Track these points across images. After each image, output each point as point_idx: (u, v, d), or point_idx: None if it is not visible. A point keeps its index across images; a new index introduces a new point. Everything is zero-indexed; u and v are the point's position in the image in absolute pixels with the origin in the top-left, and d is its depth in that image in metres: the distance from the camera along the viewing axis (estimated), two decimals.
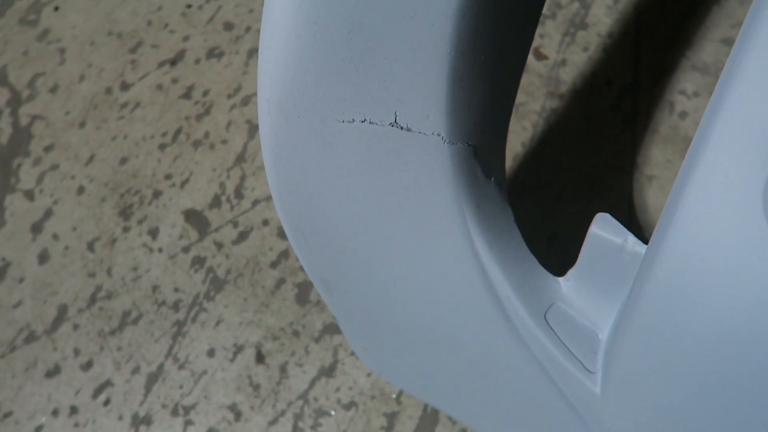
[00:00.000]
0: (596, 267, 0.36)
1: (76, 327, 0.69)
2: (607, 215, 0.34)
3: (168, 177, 0.75)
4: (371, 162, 0.35)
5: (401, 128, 0.34)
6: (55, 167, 0.77)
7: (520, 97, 0.74)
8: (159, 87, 0.80)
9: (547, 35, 0.77)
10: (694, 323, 0.26)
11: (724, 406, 0.29)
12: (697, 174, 0.23)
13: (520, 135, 0.72)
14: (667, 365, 0.30)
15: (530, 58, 0.76)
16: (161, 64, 0.81)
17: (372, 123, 0.33)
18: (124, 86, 0.80)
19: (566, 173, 0.70)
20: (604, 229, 0.34)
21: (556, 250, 0.67)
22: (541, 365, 0.39)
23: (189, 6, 0.85)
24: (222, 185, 0.73)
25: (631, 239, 0.33)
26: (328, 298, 0.48)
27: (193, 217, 0.72)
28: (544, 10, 0.78)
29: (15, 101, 0.82)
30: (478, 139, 0.36)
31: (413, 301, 0.42)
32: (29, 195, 0.76)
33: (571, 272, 0.39)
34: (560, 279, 0.40)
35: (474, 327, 0.41)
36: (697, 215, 0.24)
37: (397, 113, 0.33)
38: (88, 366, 0.67)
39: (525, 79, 0.74)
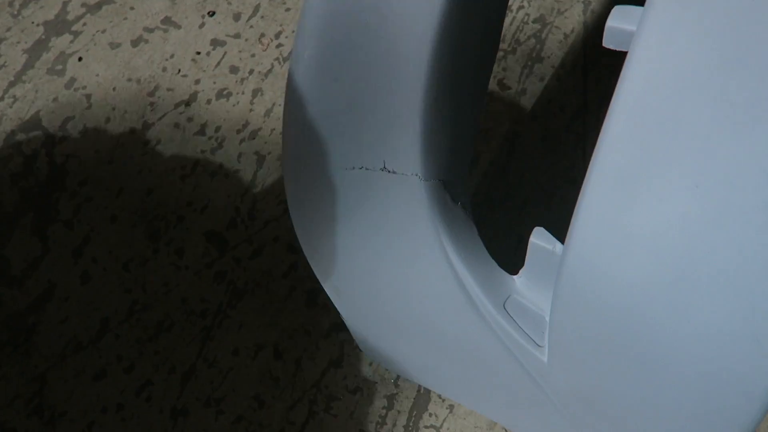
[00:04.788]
0: (537, 267, 0.48)
1: (117, 336, 0.80)
2: (541, 228, 0.47)
3: (189, 204, 0.86)
4: (368, 197, 0.47)
5: (389, 172, 0.46)
6: (89, 199, 0.88)
7: (488, 122, 0.87)
8: (176, 125, 0.92)
9: (509, 68, 0.90)
10: (589, 304, 0.38)
11: (622, 360, 0.41)
12: (581, 206, 0.36)
13: (488, 155, 0.85)
14: (581, 336, 0.42)
15: (495, 88, 0.89)
16: (177, 105, 0.93)
17: (368, 169, 0.46)
18: (146, 126, 0.92)
19: (528, 186, 0.83)
20: (539, 239, 0.46)
21: (524, 251, 0.80)
22: (504, 343, 0.52)
23: (198, 53, 0.97)
24: (237, 209, 0.85)
25: (558, 246, 0.46)
26: (337, 301, 0.60)
27: (213, 237, 0.84)
28: (506, 46, 0.91)
29: (49, 143, 0.93)
30: (446, 175, 0.48)
31: (404, 301, 0.55)
32: (68, 224, 0.87)
33: (521, 271, 0.51)
34: (514, 276, 0.52)
35: (451, 318, 0.53)
36: (584, 230, 0.36)
37: (385, 161, 0.46)
38: (130, 369, 0.79)
39: (491, 107, 0.87)
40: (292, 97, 0.44)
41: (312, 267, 0.55)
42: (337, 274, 0.54)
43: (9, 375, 0.80)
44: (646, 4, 0.37)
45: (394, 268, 0.51)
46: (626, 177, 0.34)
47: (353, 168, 0.46)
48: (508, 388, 0.58)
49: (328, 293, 0.59)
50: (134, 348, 0.79)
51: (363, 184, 0.46)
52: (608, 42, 0.43)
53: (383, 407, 0.73)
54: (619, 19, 0.40)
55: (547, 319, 0.50)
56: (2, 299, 0.84)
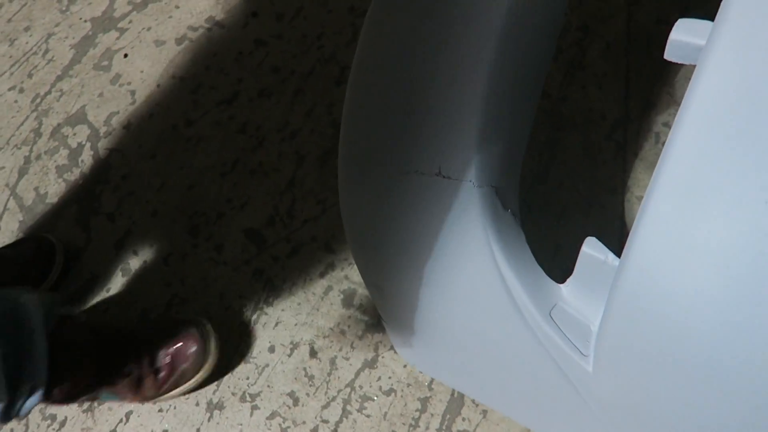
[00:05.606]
0: (587, 276, 0.48)
1: None
2: (594, 239, 0.47)
3: (229, 201, 0.88)
4: (421, 201, 0.48)
5: (443, 177, 0.46)
6: (131, 193, 0.90)
7: None
8: (218, 123, 0.93)
9: (551, 76, 0.89)
10: (647, 317, 0.38)
11: (676, 374, 0.41)
12: (644, 218, 0.36)
13: (528, 162, 0.85)
14: (633, 348, 0.42)
15: None
16: (219, 103, 0.95)
17: (423, 174, 0.46)
18: (188, 123, 0.94)
19: (567, 194, 0.82)
20: (592, 248, 0.46)
21: (561, 259, 0.79)
22: (547, 351, 0.52)
23: (241, 53, 0.98)
24: (276, 207, 0.86)
25: (611, 256, 0.46)
26: (378, 300, 0.61)
27: (252, 234, 0.85)
28: None
29: (94, 136, 0.95)
30: (498, 182, 0.49)
31: (449, 304, 0.55)
32: (111, 217, 0.89)
33: (569, 280, 0.51)
34: (561, 285, 0.52)
35: (495, 323, 0.53)
36: (646, 243, 0.36)
37: (441, 167, 0.46)
38: None
39: None
40: (354, 99, 0.44)
41: (356, 264, 0.56)
42: (383, 272, 0.55)
43: None
44: (717, 18, 0.37)
45: (441, 271, 0.52)
46: (694, 190, 0.34)
47: (409, 172, 0.46)
48: (548, 396, 0.58)
49: (369, 291, 0.60)
50: None
51: (417, 188, 0.47)
52: (671, 55, 0.43)
53: (416, 410, 0.73)
54: (684, 33, 0.40)
55: (593, 328, 0.50)
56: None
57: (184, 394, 0.77)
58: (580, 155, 0.84)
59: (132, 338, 0.75)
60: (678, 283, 0.36)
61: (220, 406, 0.77)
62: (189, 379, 0.75)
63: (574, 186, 0.83)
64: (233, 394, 0.77)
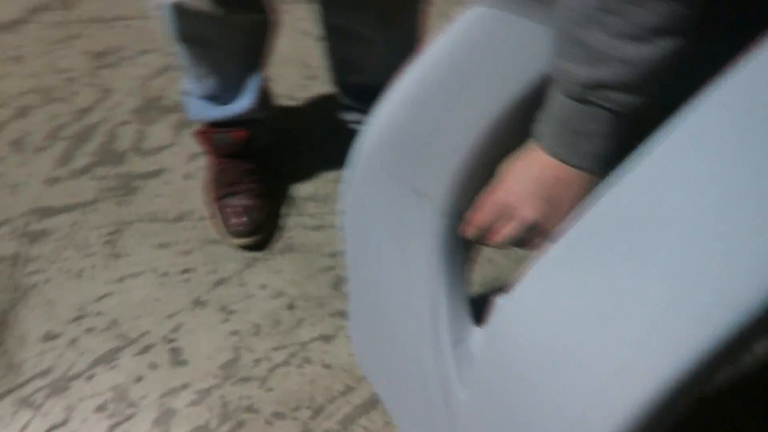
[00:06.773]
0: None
1: None
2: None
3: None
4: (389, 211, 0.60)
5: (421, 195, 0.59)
6: None
7: None
8: None
9: None
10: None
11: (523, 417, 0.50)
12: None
13: None
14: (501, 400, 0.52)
15: None
16: None
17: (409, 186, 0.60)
18: None
19: None
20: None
21: None
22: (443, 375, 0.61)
23: None
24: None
25: None
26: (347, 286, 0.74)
27: None
28: None
29: None
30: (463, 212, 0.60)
31: (382, 307, 0.66)
32: None
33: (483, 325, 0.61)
34: (477, 328, 0.62)
35: (423, 351, 0.63)
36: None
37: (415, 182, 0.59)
38: None
39: None
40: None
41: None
42: (352, 264, 0.68)
43: None
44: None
45: (392, 282, 0.63)
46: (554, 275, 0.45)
47: (402, 182, 0.59)
48: (435, 405, 0.65)
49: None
50: None
51: (395, 196, 0.60)
52: None
53: (339, 391, 0.84)
54: None
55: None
56: None
57: None
58: None
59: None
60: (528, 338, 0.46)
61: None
62: None
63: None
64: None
